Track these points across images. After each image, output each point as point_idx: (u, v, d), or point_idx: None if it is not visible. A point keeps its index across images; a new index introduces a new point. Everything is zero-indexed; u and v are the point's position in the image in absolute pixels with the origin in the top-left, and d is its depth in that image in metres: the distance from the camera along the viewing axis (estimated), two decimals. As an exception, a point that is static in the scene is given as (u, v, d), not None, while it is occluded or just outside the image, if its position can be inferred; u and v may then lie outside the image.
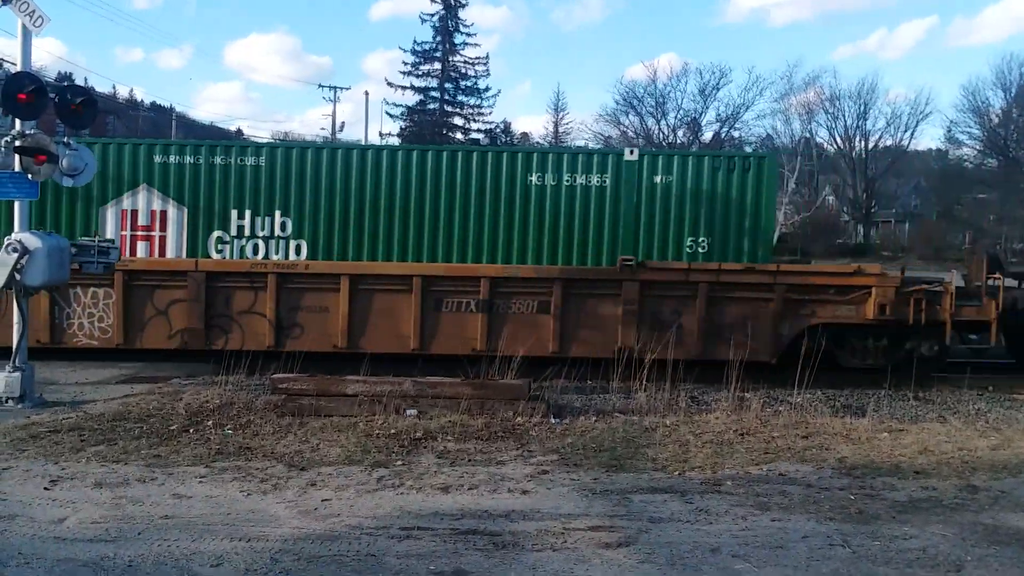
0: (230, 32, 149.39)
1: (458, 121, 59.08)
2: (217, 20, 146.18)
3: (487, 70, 58.75)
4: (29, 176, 9.44)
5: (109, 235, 13.02)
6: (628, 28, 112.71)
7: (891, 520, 6.16)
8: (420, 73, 58.09)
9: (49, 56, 76.58)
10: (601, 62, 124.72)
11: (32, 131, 9.42)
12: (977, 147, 47.50)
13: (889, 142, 51.01)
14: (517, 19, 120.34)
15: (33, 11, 9.47)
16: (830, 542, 5.70)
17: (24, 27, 9.50)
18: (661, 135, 50.92)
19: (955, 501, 6.64)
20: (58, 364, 11.60)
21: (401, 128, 59.16)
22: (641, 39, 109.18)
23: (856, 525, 6.03)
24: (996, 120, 47.18)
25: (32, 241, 9.14)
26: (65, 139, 9.92)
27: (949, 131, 50.14)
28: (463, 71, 58.22)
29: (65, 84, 12.77)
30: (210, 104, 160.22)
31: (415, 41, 58.02)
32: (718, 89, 50.69)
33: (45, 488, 6.46)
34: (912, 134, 51.56)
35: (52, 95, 9.65)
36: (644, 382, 9.95)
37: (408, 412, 8.80)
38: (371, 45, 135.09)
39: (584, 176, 13.20)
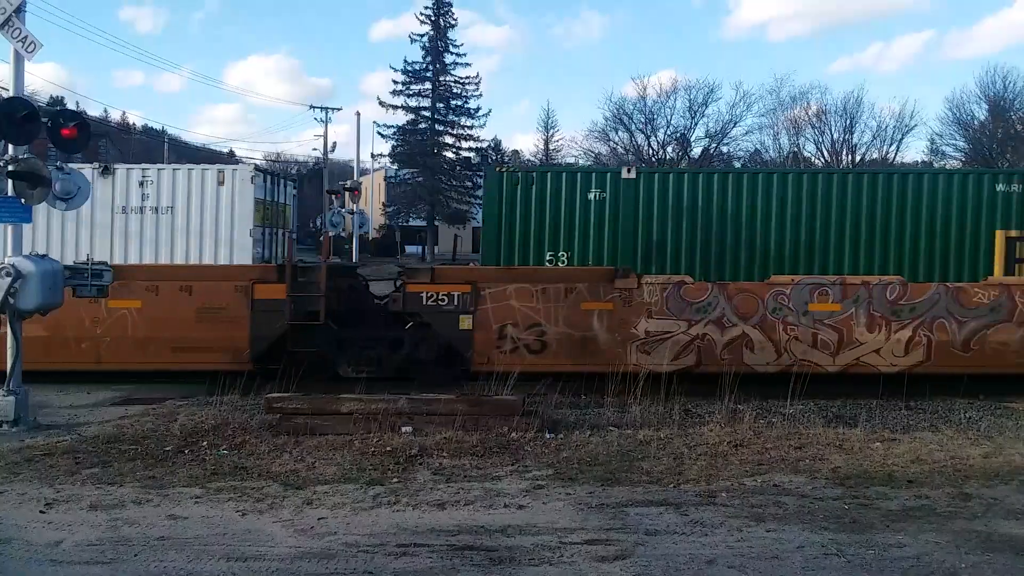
0: (230, 55, 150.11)
1: (449, 140, 59.30)
2: (218, 44, 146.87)
3: (478, 89, 59.06)
4: (22, 201, 9.47)
5: None
6: (626, 46, 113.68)
7: (885, 529, 6.21)
8: (411, 93, 58.33)
9: (42, 81, 76.69)
10: (599, 80, 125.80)
11: (25, 155, 9.46)
12: (962, 159, 47.85)
13: (875, 155, 51.32)
14: (518, 38, 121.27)
15: (26, 37, 9.54)
16: (825, 552, 5.74)
17: (16, 52, 9.56)
18: (651, 151, 51.17)
19: (948, 509, 6.69)
20: (52, 387, 11.58)
21: (392, 148, 59.31)
22: (639, 57, 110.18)
23: (850, 534, 6.07)
24: (979, 133, 47.59)
25: (25, 265, 9.16)
26: (58, 163, 9.96)
27: (932, 143, 50.52)
28: (454, 91, 58.50)
29: (57, 108, 12.83)
30: (207, 126, 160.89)
31: (405, 61, 58.32)
32: (707, 105, 50.99)
33: (40, 511, 6.45)
34: (898, 147, 51.85)
35: (45, 119, 9.71)
36: (638, 396, 10.00)
37: (403, 429, 8.81)
38: (371, 66, 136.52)
39: None
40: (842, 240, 12.21)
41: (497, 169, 12.85)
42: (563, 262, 12.32)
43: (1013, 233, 12.32)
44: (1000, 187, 12.29)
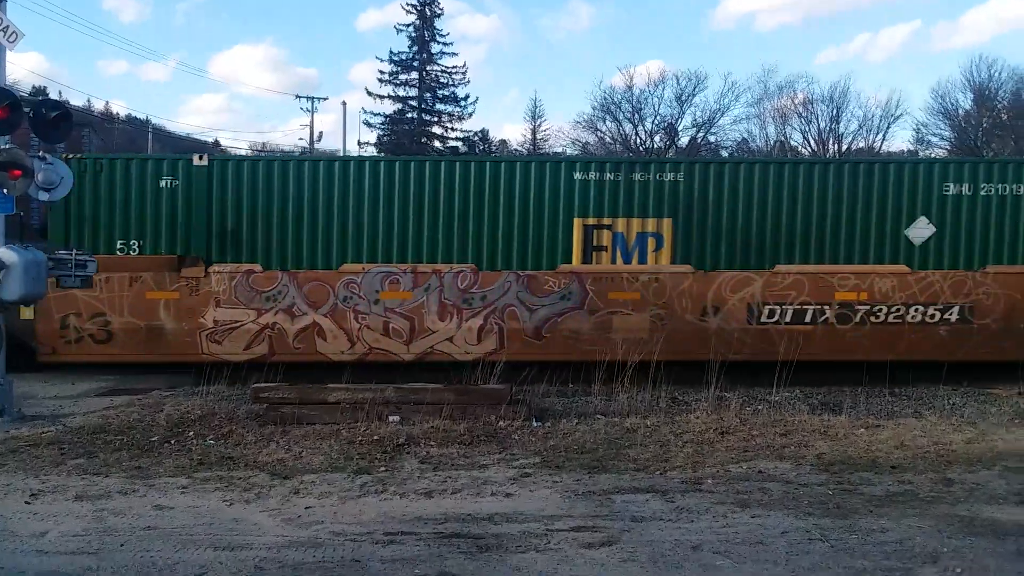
0: (216, 44, 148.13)
1: (436, 130, 59.10)
2: (203, 33, 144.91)
3: (465, 78, 58.83)
4: (4, 191, 9.38)
5: None
6: (614, 37, 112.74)
7: (868, 514, 6.27)
8: (399, 82, 58.05)
9: (24, 71, 75.74)
10: (587, 70, 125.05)
11: (7, 146, 9.37)
12: (947, 148, 48.10)
13: (862, 144, 51.48)
14: (506, 28, 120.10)
15: (7, 27, 9.45)
16: (809, 537, 5.79)
17: (-3, 42, 9.46)
18: (638, 140, 51.20)
19: (931, 494, 6.76)
20: (36, 377, 11.51)
21: (379, 137, 59.06)
22: (627, 47, 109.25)
23: (834, 520, 6.13)
24: (964, 122, 47.79)
25: (8, 256, 9.08)
26: (40, 153, 9.88)
27: (918, 132, 50.70)
28: (441, 80, 58.29)
29: (40, 98, 12.69)
30: (192, 116, 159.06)
31: (391, 51, 58.02)
32: (694, 95, 51.00)
33: (26, 502, 6.42)
34: (884, 136, 52.00)
35: (27, 109, 9.62)
36: (625, 384, 10.03)
37: (391, 418, 8.82)
38: (358, 55, 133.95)
39: None
40: (420, 227, 12.08)
41: (63, 157, 12.56)
42: (135, 251, 11.95)
43: (591, 221, 12.28)
44: (577, 175, 12.30)
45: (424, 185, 12.11)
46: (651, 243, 12.27)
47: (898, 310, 12.13)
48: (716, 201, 12.17)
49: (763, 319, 12.09)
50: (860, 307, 12.13)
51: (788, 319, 12.09)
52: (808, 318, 12.10)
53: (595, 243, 12.28)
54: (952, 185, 12.25)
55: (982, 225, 12.22)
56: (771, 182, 12.19)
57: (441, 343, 12.00)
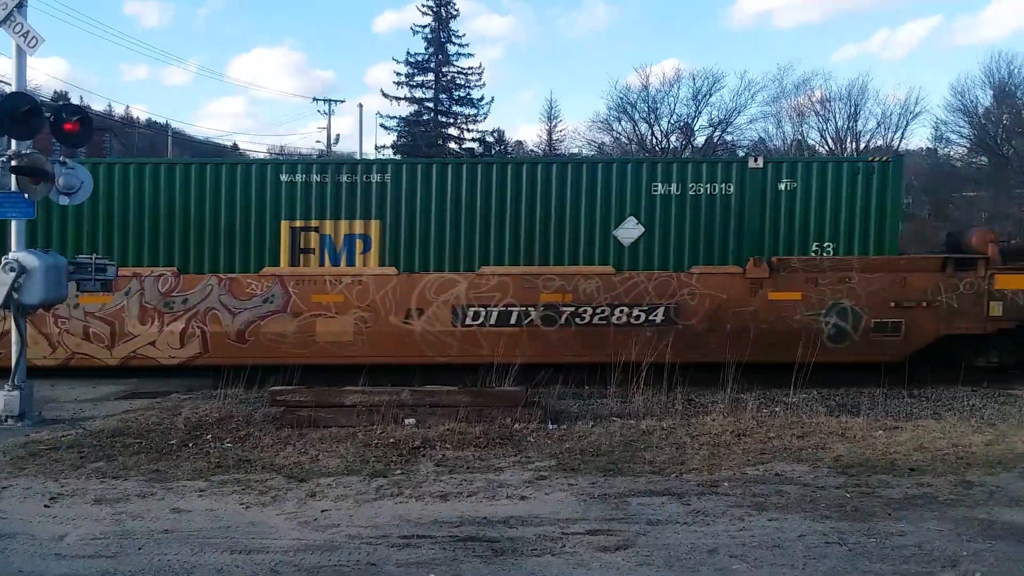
0: (235, 48, 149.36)
1: (452, 132, 59.16)
2: (222, 36, 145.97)
3: (481, 80, 58.84)
4: (25, 196, 9.50)
5: None
6: (631, 36, 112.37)
7: (887, 517, 6.21)
8: (415, 84, 58.16)
9: (46, 76, 76.74)
10: (603, 69, 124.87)
11: (28, 151, 9.48)
12: (967, 146, 47.60)
13: (880, 142, 50.99)
14: (523, 27, 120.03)
15: (27, 31, 9.55)
16: (826, 540, 5.75)
17: (18, 47, 9.57)
18: (654, 141, 51.01)
19: (950, 497, 6.69)
20: (57, 381, 11.63)
21: (396, 139, 59.20)
22: (643, 46, 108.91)
23: (852, 523, 6.08)
24: (984, 120, 47.17)
25: (29, 260, 9.19)
26: (61, 158, 9.98)
27: (937, 130, 50.12)
28: (457, 81, 58.33)
29: (60, 103, 12.85)
30: (211, 120, 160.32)
31: (408, 53, 58.16)
32: (711, 94, 50.74)
33: (45, 506, 6.49)
34: (903, 134, 51.46)
35: (48, 114, 9.72)
36: (641, 386, 10.00)
37: (406, 421, 8.84)
38: (375, 58, 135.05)
39: None
40: (125, 230, 11.95)
41: None
42: None
43: (298, 223, 12.22)
44: (284, 177, 12.20)
45: (128, 187, 12.08)
46: (359, 245, 12.29)
47: (603, 311, 12.08)
48: (423, 202, 12.18)
49: (468, 321, 12.08)
50: (565, 308, 12.09)
51: (493, 321, 12.05)
52: (513, 320, 12.07)
53: (303, 245, 12.31)
54: (661, 185, 12.18)
55: (691, 225, 12.14)
56: (479, 183, 12.18)
57: (144, 347, 12.02)
